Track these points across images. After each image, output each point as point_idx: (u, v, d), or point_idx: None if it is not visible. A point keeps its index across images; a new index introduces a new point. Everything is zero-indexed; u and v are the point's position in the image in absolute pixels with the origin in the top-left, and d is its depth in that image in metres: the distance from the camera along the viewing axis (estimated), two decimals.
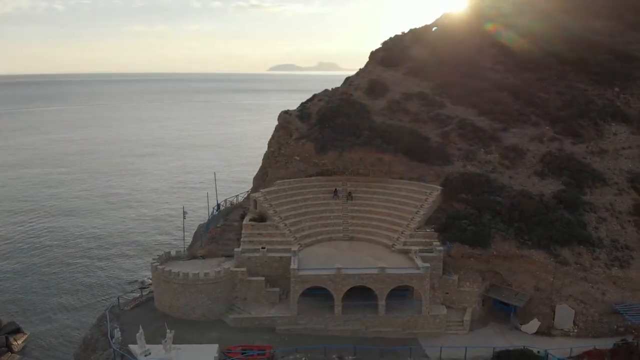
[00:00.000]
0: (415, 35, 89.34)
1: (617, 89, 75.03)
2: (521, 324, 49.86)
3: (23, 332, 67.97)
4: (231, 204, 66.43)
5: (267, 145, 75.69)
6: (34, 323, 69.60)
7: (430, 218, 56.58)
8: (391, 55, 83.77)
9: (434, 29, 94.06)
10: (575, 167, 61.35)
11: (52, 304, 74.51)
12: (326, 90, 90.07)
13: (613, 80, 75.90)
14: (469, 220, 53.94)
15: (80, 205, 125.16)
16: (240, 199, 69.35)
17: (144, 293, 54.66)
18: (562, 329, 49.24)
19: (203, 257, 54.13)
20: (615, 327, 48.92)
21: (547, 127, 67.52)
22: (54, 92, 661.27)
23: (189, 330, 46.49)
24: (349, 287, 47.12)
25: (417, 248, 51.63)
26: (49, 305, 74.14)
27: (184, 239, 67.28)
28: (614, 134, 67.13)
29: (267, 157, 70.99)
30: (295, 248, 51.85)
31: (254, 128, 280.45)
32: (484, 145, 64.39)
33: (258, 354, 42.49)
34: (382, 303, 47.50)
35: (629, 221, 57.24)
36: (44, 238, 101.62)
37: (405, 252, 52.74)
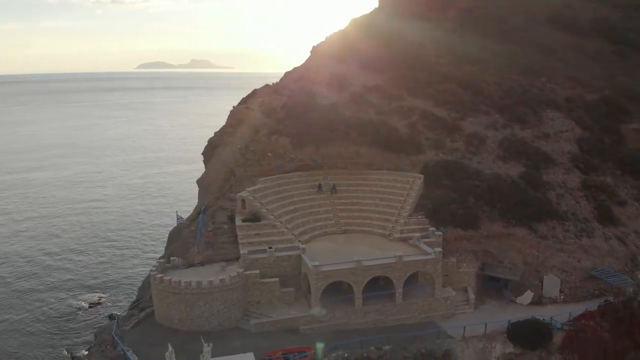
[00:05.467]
0: (359, 30, 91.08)
1: (543, 79, 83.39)
2: (516, 297, 53.83)
3: None
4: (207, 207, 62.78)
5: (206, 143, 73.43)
6: None
7: (417, 206, 58.64)
8: (339, 49, 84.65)
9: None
10: (530, 151, 67.35)
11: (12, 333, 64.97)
12: (267, 85, 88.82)
13: (539, 71, 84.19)
14: (456, 204, 56.94)
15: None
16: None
17: (140, 309, 49.83)
18: (550, 297, 53.97)
19: (201, 263, 50.81)
20: (592, 290, 54.84)
21: (498, 115, 73.05)
22: None
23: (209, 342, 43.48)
24: (369, 279, 47.43)
25: (418, 235, 53.29)
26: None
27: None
28: (552, 120, 74.59)
29: (232, 156, 68.11)
30: (303, 245, 50.88)
31: (147, 127, 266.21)
32: (449, 134, 67.99)
33: (301, 357, 41.21)
34: (399, 291, 48.39)
35: (581, 196, 64.17)
36: None
37: (404, 240, 54.17)
